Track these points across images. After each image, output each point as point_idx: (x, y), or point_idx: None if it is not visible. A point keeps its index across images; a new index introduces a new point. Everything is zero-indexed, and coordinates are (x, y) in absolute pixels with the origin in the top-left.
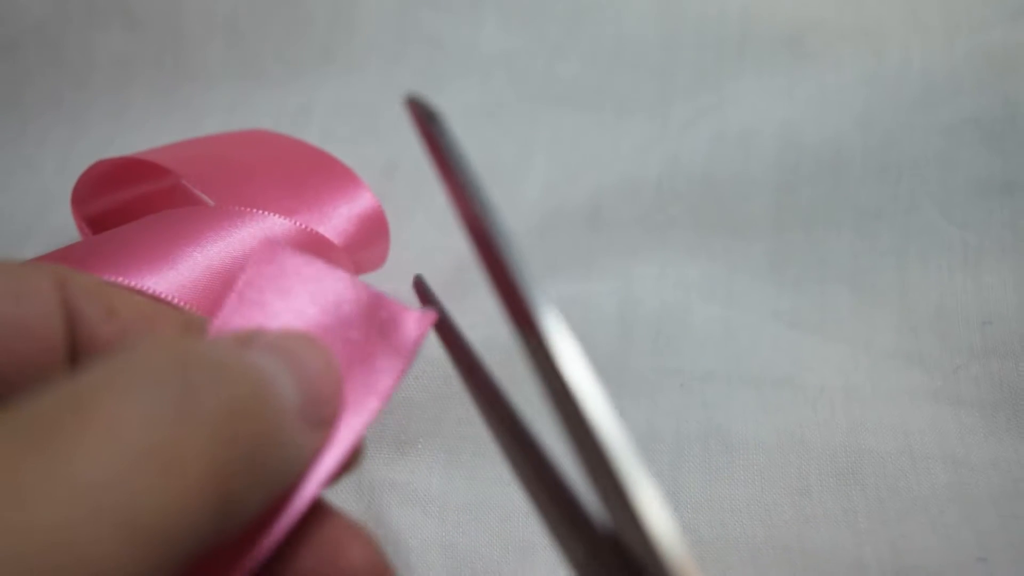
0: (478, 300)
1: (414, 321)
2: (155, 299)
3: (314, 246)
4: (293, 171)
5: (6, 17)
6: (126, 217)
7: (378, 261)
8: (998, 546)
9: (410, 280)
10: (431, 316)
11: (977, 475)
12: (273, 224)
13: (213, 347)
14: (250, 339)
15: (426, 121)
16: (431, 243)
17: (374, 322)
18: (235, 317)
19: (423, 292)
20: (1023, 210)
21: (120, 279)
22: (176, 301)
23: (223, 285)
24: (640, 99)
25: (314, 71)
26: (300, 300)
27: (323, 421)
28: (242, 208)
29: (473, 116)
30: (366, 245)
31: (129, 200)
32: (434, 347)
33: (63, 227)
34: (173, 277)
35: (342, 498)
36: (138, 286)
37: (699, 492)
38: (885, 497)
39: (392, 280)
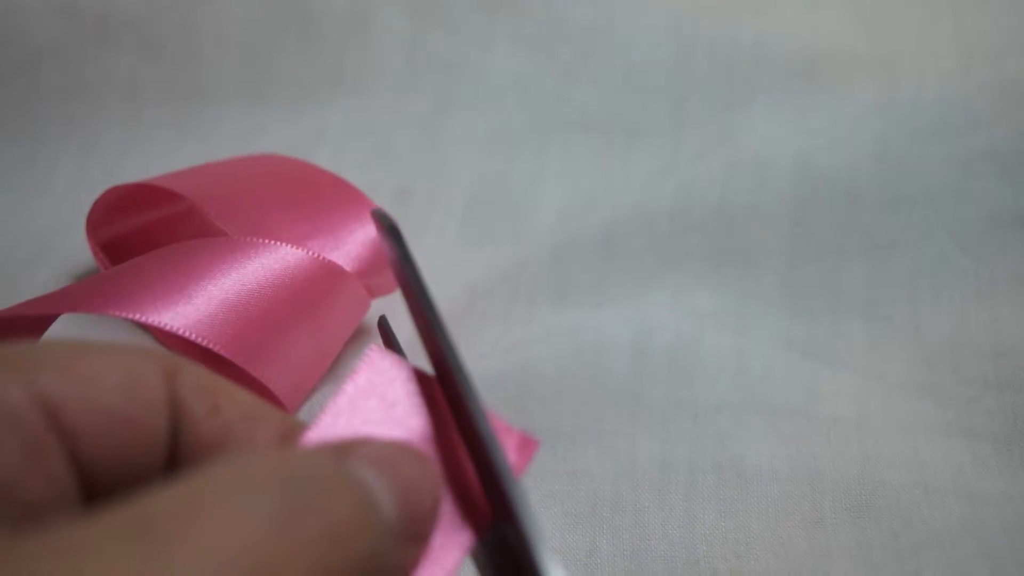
0: (490, 330)
1: (516, 443)
2: (259, 399)
3: (327, 275)
4: (307, 196)
5: (19, 37)
6: (140, 241)
7: (392, 285)
8: None
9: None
10: (534, 443)
11: (991, 508)
12: (286, 254)
13: (316, 462)
14: (350, 450)
15: (388, 234)
16: (443, 269)
17: None
18: (338, 422)
19: (386, 334)
20: None
21: (137, 316)
22: (192, 337)
23: (238, 318)
24: (652, 126)
25: (327, 94)
26: (405, 410)
27: (421, 536)
28: (255, 239)
29: (484, 141)
30: (380, 270)
31: (143, 225)
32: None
33: (76, 249)
34: (189, 312)
35: None
36: (155, 322)
37: (713, 524)
38: (899, 530)
39: (405, 311)
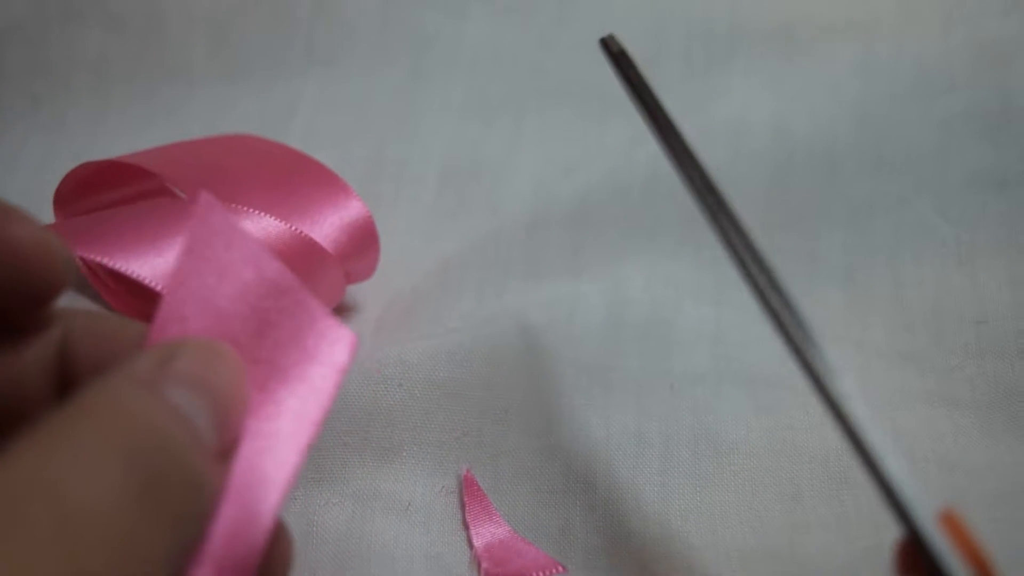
0: (463, 302)
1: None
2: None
3: (306, 251)
4: (282, 178)
5: None
6: None
7: (368, 271)
8: (993, 551)
9: (392, 286)
10: (352, 338)
11: (972, 478)
12: (267, 225)
13: (129, 394)
14: (165, 374)
15: (617, 59)
16: (415, 244)
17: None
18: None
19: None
20: (1018, 206)
21: (105, 260)
22: (158, 287)
23: None
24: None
25: (297, 69)
26: (234, 286)
27: (230, 448)
28: (237, 207)
29: (459, 110)
30: (356, 255)
31: (112, 204)
32: (416, 353)
33: None
34: (157, 263)
35: (325, 507)
36: (122, 269)
37: (689, 498)
38: (878, 502)
39: (378, 284)
